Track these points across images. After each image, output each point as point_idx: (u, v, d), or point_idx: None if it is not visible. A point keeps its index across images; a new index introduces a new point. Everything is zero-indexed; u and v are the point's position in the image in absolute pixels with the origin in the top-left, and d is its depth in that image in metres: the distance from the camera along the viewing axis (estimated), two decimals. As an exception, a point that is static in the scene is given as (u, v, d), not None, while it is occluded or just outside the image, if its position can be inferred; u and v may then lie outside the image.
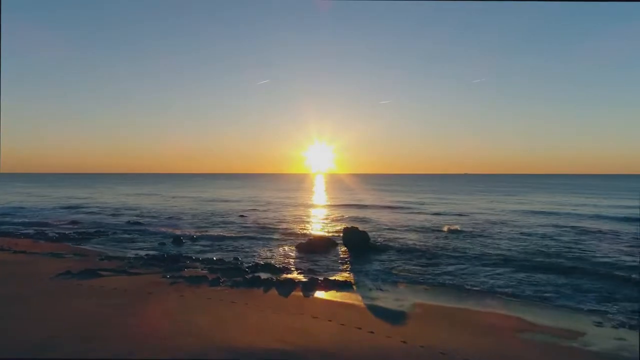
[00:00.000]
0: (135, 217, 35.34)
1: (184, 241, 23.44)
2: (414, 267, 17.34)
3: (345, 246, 21.50)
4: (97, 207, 45.03)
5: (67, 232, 26.40)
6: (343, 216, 36.43)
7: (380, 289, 13.72)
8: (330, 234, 25.71)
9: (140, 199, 58.87)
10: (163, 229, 28.49)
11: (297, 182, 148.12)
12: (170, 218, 34.76)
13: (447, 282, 15.17)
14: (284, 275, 15.15)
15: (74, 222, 31.58)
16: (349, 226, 22.72)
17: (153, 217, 35.90)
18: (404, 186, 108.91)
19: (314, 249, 20.74)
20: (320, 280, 14.13)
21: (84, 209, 42.23)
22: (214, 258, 18.49)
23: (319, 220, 34.46)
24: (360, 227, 24.58)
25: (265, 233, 26.79)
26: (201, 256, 19.09)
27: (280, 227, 29.82)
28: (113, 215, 37.16)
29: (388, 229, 28.00)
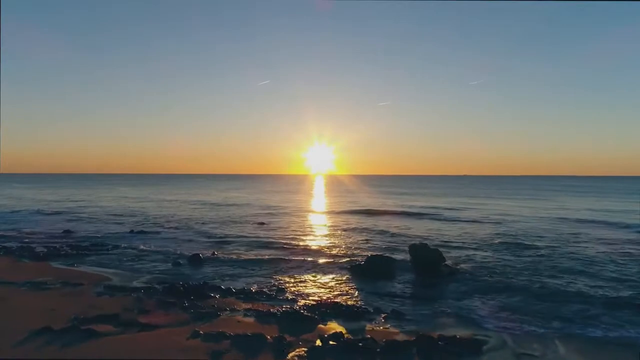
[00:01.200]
0: (138, 225, 30.14)
1: (203, 259, 18.32)
2: (526, 305, 12.33)
3: (414, 269, 16.42)
4: (96, 212, 39.73)
5: (58, 246, 21.21)
6: (374, 226, 30.83)
7: (534, 356, 8.69)
8: (375, 252, 20.74)
9: (142, 202, 53.57)
10: (173, 242, 23.32)
11: (301, 183, 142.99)
12: (179, 227, 29.43)
13: (608, 335, 10.15)
14: (372, 326, 10.08)
15: (68, 232, 26.30)
16: (417, 242, 17.66)
17: (159, 224, 30.65)
18: (411, 188, 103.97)
19: (375, 274, 15.67)
20: (434, 337, 9.05)
21: (81, 214, 36.87)
22: (252, 289, 13.40)
23: (348, 230, 29.06)
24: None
25: (299, 249, 21.52)
26: (233, 285, 14.03)
27: (311, 240, 24.65)
28: (114, 222, 31.87)
29: (436, 242, 22.75)
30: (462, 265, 17.34)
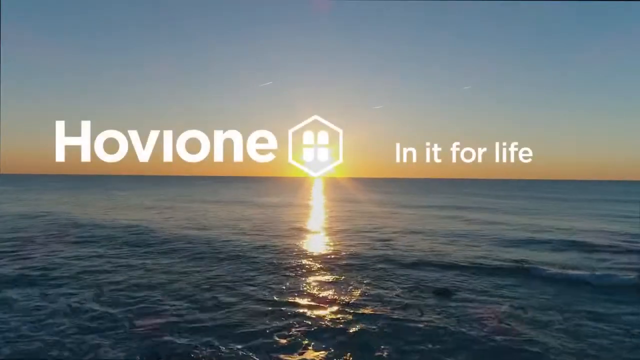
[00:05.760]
0: (160, 301, 10.99)
1: None
2: None
3: None
4: (74, 239, 20.23)
5: None
6: None
7: None
8: None
9: (149, 220, 33.52)
10: None
11: (319, 189, 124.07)
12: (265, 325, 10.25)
13: None
14: None
15: None
16: None
17: (211, 305, 11.29)
18: (450, 196, 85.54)
19: None
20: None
21: (43, 255, 17.21)
22: None
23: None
24: None
25: None
26: None
27: None
28: (98, 287, 12.54)
29: None
30: None
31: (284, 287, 12.50)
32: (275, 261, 16.10)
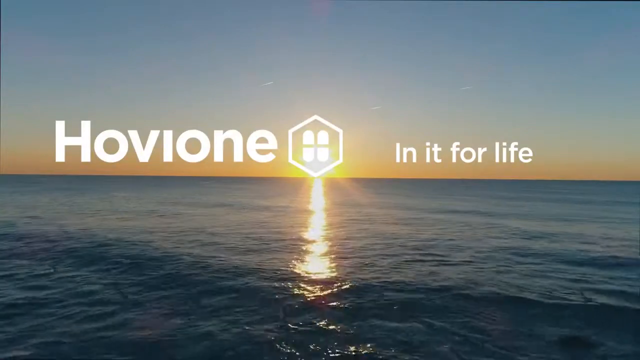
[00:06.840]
0: None
1: None
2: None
3: None
4: (48, 270, 16.24)
5: None
6: None
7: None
8: None
9: (151, 229, 29.90)
10: None
11: (329, 190, 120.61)
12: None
13: None
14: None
15: None
16: None
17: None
18: (472, 198, 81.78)
19: None
20: None
21: None
22: None
23: None
24: None
25: None
26: None
27: None
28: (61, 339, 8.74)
29: None
30: None
31: (329, 341, 8.74)
32: (312, 292, 12.32)
